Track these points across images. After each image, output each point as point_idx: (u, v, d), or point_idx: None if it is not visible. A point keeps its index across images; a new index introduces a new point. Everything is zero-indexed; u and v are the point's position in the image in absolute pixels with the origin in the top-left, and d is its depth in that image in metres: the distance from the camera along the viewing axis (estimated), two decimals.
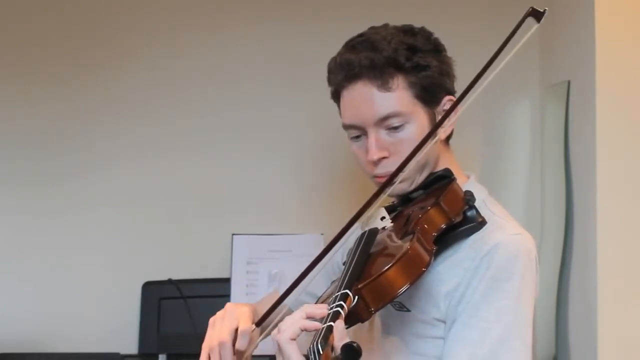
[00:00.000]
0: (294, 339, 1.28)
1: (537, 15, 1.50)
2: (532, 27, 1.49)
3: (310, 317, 1.30)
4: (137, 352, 2.54)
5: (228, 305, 1.55)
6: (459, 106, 1.54)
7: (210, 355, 1.49)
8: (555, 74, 2.44)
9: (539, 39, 2.58)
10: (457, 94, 1.55)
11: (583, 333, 2.19)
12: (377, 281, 1.33)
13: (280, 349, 1.29)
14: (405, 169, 1.50)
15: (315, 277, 1.51)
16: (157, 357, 2.49)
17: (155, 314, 2.53)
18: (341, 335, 1.24)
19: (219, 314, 1.53)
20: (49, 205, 2.60)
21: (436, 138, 1.52)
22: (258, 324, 1.52)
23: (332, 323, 1.24)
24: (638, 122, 2.11)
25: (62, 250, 2.59)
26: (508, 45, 1.48)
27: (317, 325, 1.27)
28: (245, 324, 1.49)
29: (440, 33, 1.62)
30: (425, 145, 1.49)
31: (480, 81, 1.47)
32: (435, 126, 1.52)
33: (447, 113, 1.53)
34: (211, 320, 1.53)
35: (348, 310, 1.30)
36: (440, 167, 1.60)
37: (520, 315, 1.45)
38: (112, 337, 2.56)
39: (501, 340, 1.43)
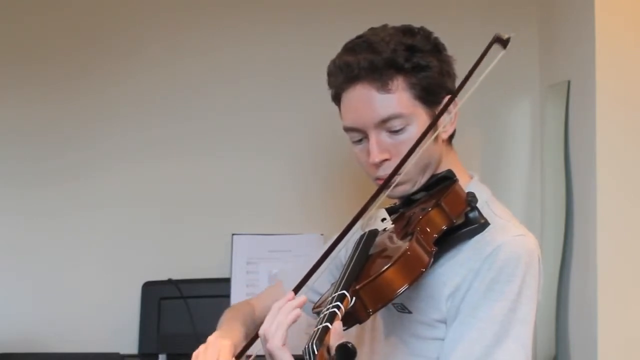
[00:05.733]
0: (285, 344, 1.30)
1: (502, 42, 1.50)
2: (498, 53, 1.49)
3: (285, 311, 1.33)
4: (137, 352, 2.54)
5: (210, 338, 1.54)
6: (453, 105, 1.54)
7: None
8: (555, 74, 2.44)
9: (538, 39, 2.58)
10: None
11: (583, 333, 2.19)
12: (375, 282, 1.32)
13: (272, 356, 1.30)
14: (403, 169, 1.50)
15: (321, 275, 1.51)
16: (157, 357, 2.49)
17: (155, 314, 2.53)
18: (338, 336, 1.25)
19: (202, 347, 1.52)
20: (49, 205, 2.60)
21: (432, 137, 1.51)
22: (238, 356, 1.52)
23: (327, 324, 1.25)
24: (638, 122, 2.11)
25: (62, 250, 2.59)
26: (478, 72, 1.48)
27: (298, 312, 1.30)
28: (225, 359, 1.49)
29: (440, 32, 1.61)
30: (421, 145, 1.48)
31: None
32: (428, 128, 1.51)
33: (440, 113, 1.53)
34: (194, 354, 1.52)
35: (346, 312, 1.30)
36: (443, 168, 1.59)
37: (519, 316, 1.44)
38: (112, 337, 2.56)
39: (497, 341, 1.43)
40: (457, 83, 1.58)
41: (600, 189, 2.09)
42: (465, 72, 1.51)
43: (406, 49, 1.52)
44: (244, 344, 1.54)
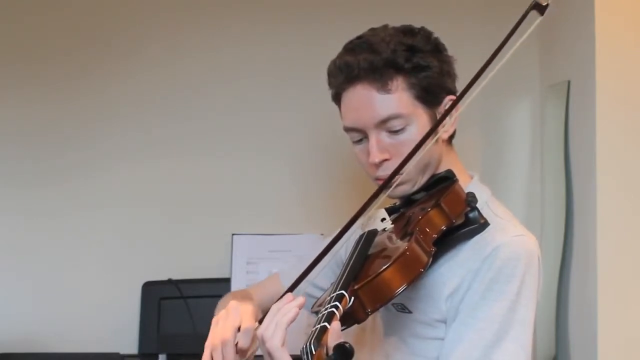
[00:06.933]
0: (284, 344, 1.30)
1: (540, 8, 1.48)
2: (535, 20, 1.48)
3: (284, 311, 1.33)
4: (137, 352, 2.54)
5: (231, 303, 1.51)
6: (459, 105, 1.53)
7: (213, 354, 1.45)
8: (555, 73, 2.44)
9: (538, 39, 2.58)
10: (459, 92, 1.54)
11: (583, 333, 2.19)
12: (373, 282, 1.32)
13: (272, 357, 1.30)
14: (404, 170, 1.49)
15: (322, 271, 1.51)
16: (157, 357, 2.49)
17: (155, 314, 2.53)
18: (336, 335, 1.25)
19: (222, 312, 1.49)
20: (49, 205, 2.60)
21: (435, 138, 1.51)
22: (261, 321, 1.51)
23: (325, 324, 1.25)
24: (638, 122, 2.11)
25: (62, 250, 2.60)
26: (510, 42, 1.47)
27: (297, 311, 1.30)
28: (248, 322, 1.46)
29: (440, 32, 1.61)
30: (423, 147, 1.48)
31: (481, 78, 1.45)
32: (433, 127, 1.51)
33: (447, 112, 1.52)
34: (214, 319, 1.50)
35: (344, 311, 1.30)
36: (443, 168, 1.59)
37: (518, 317, 1.44)
38: (112, 337, 2.56)
39: (495, 342, 1.43)
40: (460, 82, 1.58)
41: (600, 189, 2.10)
42: (466, 72, 1.51)
43: (406, 49, 1.52)
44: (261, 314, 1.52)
